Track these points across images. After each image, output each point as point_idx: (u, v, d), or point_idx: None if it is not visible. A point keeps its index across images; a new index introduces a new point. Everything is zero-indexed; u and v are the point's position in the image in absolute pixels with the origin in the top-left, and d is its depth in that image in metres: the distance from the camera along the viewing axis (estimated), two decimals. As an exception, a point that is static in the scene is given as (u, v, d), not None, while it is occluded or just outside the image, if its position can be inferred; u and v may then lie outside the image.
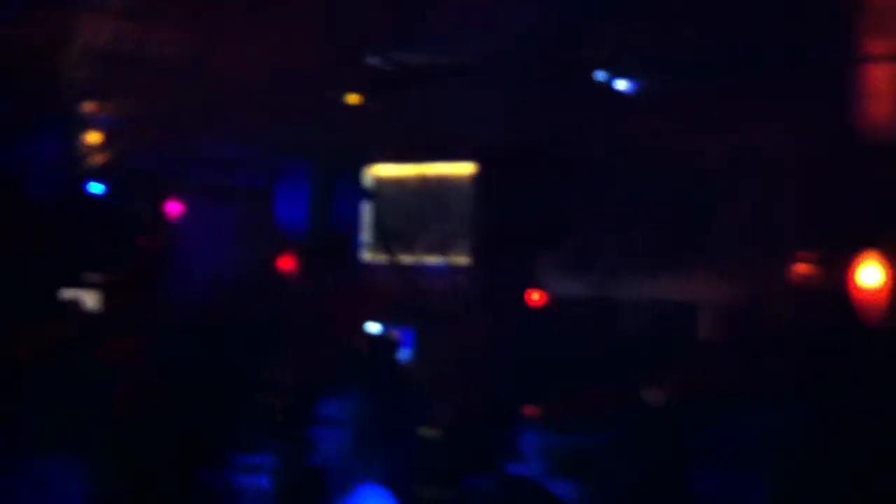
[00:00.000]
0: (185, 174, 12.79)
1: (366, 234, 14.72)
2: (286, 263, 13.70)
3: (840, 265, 10.19)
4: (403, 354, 12.08)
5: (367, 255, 14.69)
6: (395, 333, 12.30)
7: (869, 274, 9.98)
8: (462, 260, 13.31)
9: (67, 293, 12.51)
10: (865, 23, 8.71)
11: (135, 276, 12.47)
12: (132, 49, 9.34)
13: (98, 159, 10.58)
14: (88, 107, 10.25)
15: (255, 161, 13.51)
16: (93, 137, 10.46)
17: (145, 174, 11.93)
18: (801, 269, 11.16)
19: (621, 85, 10.18)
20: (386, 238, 14.33)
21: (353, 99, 10.80)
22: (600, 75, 10.13)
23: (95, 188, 11.50)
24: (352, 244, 14.55)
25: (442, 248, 13.91)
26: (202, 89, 9.98)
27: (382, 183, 14.60)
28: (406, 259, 14.09)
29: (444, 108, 10.57)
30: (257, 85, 10.15)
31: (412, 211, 14.22)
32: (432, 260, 14.02)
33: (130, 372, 6.84)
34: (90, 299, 12.65)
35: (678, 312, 12.24)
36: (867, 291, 9.97)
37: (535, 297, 12.33)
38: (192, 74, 9.77)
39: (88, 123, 10.38)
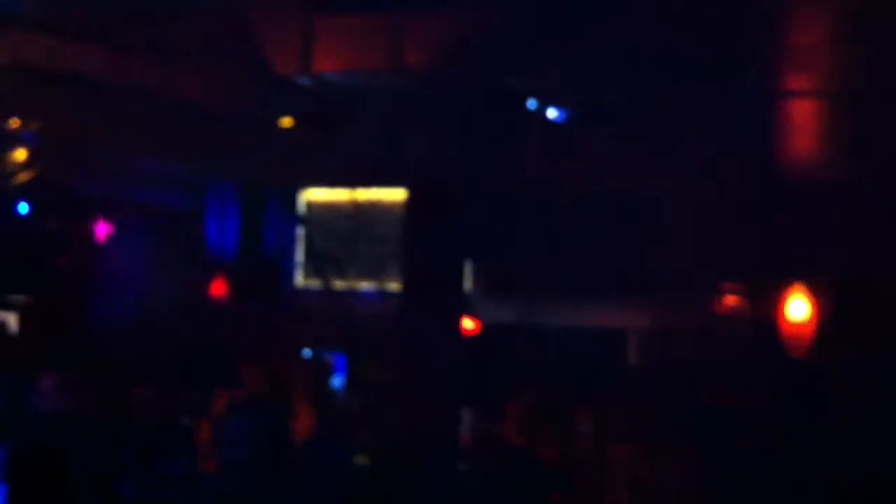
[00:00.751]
0: (112, 193, 12.60)
1: (298, 258, 14.64)
2: (217, 288, 13.56)
3: (767, 298, 10.33)
4: (335, 380, 12.02)
5: (299, 280, 14.61)
6: (328, 359, 12.24)
7: (796, 307, 10.13)
8: (394, 286, 13.28)
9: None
10: (785, 60, 8.87)
11: (57, 298, 12.25)
12: (57, 64, 9.18)
13: (20, 177, 10.38)
14: (10, 123, 10.05)
15: (185, 182, 13.37)
16: (15, 154, 10.26)
17: (70, 193, 11.73)
18: (728, 300, 11.31)
19: (552, 114, 10.20)
20: (318, 263, 14.27)
21: (285, 122, 10.74)
22: (532, 103, 10.15)
23: (18, 207, 11.30)
24: (283, 269, 14.46)
25: (374, 274, 13.88)
26: (130, 107, 9.86)
27: (314, 207, 14.55)
28: (338, 284, 14.03)
29: (376, 133, 10.56)
30: (187, 105, 10.05)
31: (344, 236, 14.19)
32: (364, 285, 13.99)
33: (59, 390, 6.76)
34: (11, 321, 12.40)
35: (606, 340, 12.33)
36: (794, 324, 10.12)
37: (468, 324, 12.30)
38: (119, 91, 9.65)
39: (10, 140, 10.19)
